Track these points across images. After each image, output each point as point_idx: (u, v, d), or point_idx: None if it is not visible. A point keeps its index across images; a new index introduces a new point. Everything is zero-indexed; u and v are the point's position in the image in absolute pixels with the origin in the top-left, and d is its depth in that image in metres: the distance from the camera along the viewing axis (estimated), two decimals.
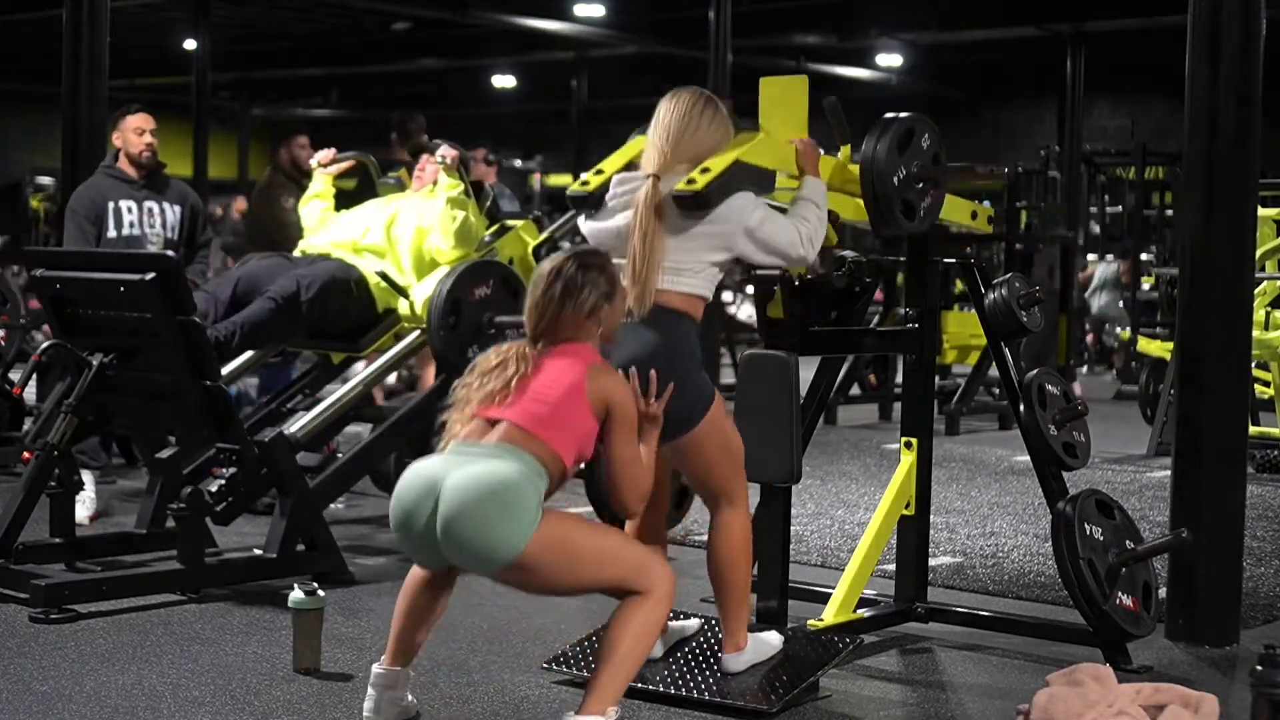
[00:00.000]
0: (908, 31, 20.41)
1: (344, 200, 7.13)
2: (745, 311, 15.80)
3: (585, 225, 4.41)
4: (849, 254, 5.06)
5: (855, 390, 12.47)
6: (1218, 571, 5.14)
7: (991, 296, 5.14)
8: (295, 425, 6.10)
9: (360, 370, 6.77)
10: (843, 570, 5.06)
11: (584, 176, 4.48)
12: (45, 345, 5.74)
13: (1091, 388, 14.96)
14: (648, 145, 4.33)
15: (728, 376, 11.52)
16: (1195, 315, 5.22)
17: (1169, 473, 5.39)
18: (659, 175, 4.21)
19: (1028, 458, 5.18)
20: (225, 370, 6.24)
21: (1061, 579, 4.86)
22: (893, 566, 5.36)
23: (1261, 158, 5.28)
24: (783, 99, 4.74)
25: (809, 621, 4.79)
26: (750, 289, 12.05)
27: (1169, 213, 16.60)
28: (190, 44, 20.07)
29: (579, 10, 19.18)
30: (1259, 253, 8.55)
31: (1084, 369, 17.05)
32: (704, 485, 4.32)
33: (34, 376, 6.93)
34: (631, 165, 4.44)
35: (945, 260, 5.35)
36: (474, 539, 3.61)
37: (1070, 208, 17.42)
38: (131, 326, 5.53)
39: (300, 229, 6.96)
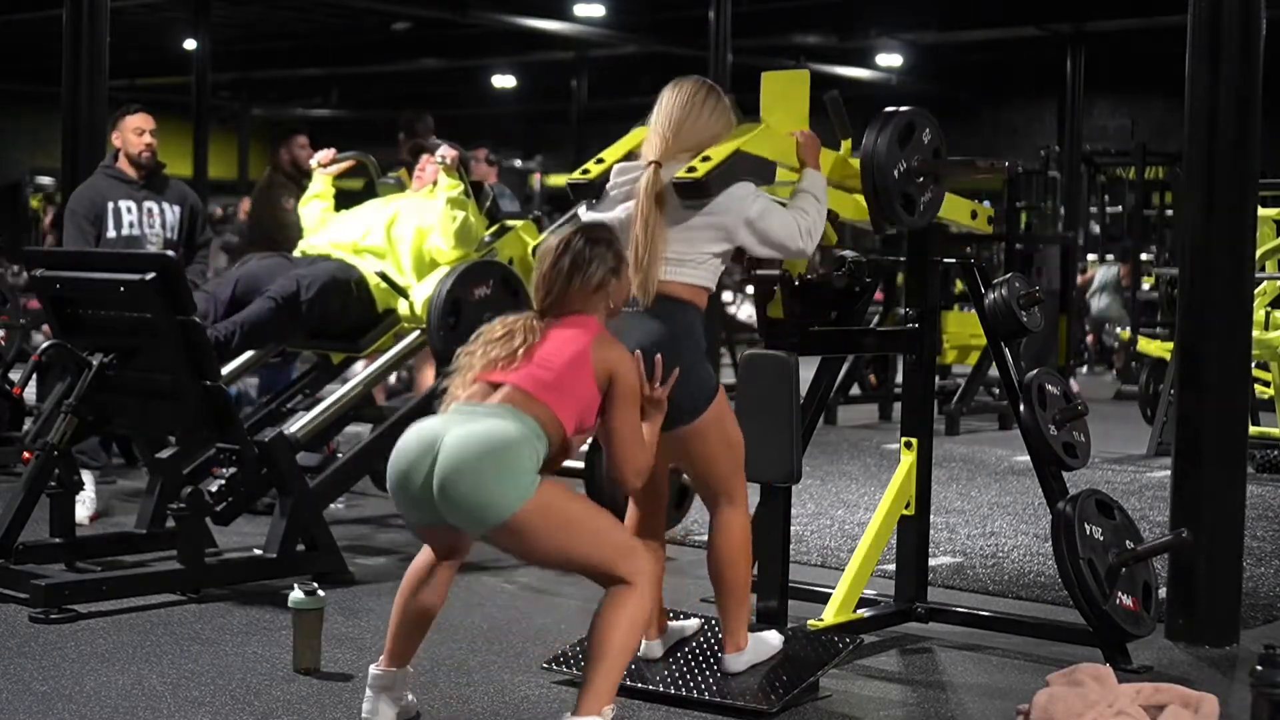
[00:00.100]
0: (908, 31, 20.40)
1: (347, 200, 7.13)
2: (745, 311, 15.81)
3: (586, 215, 4.41)
4: (849, 254, 5.06)
5: (855, 390, 12.47)
6: (1218, 571, 5.14)
7: (991, 296, 5.14)
8: (295, 425, 6.11)
9: (360, 370, 6.78)
10: (843, 570, 5.06)
11: (585, 165, 4.48)
12: (45, 345, 5.75)
13: (1091, 388, 14.97)
14: (649, 132, 4.33)
15: (728, 376, 11.51)
16: (1195, 315, 5.21)
17: (1169, 473, 5.39)
18: (660, 162, 4.21)
19: (1028, 458, 5.18)
20: (225, 370, 6.24)
21: (1061, 579, 4.86)
22: (893, 566, 5.35)
23: (1261, 158, 5.28)
24: (784, 93, 4.74)
25: (809, 621, 4.79)
26: (750, 289, 12.06)
27: (1169, 213, 16.61)
28: (190, 44, 20.07)
29: (579, 10, 19.18)
30: (1259, 253, 8.55)
31: (1084, 369, 17.05)
32: (704, 480, 4.31)
33: (34, 376, 6.93)
34: (632, 155, 4.44)
35: (945, 260, 5.35)
36: (470, 496, 3.60)
37: (1070, 208, 17.42)
38: (131, 326, 5.54)
39: (300, 229, 6.96)
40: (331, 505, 6.72)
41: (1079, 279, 16.15)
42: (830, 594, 4.96)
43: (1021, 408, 5.03)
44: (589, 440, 4.66)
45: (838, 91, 4.85)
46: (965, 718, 4.32)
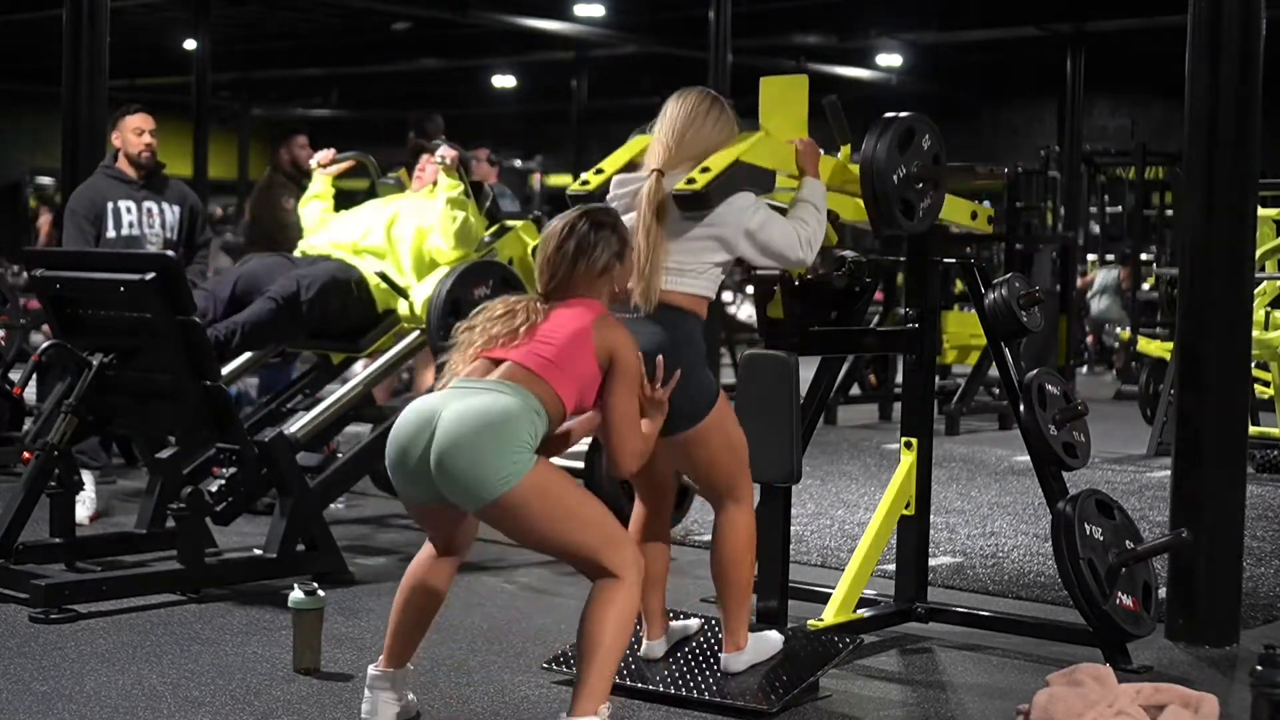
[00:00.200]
0: (908, 31, 20.40)
1: (347, 201, 7.13)
2: (745, 311, 15.80)
3: None
4: (849, 254, 5.06)
5: (855, 390, 12.47)
6: (1218, 571, 5.14)
7: (991, 296, 5.14)
8: (295, 425, 6.11)
9: (360, 370, 6.77)
10: (843, 570, 5.07)
11: (584, 176, 4.49)
12: (45, 345, 5.74)
13: (1091, 388, 14.97)
14: (653, 141, 4.35)
15: (728, 376, 11.52)
16: (1195, 315, 5.21)
17: (1169, 473, 5.39)
18: (663, 171, 4.23)
19: (1028, 458, 5.18)
20: (225, 370, 6.24)
21: (1061, 579, 4.86)
22: (893, 566, 5.35)
23: (1261, 158, 5.28)
24: (783, 99, 4.74)
25: (809, 621, 4.79)
26: (750, 289, 12.06)
27: (1169, 213, 16.60)
28: (190, 44, 20.06)
29: (579, 10, 19.17)
30: (1259, 253, 8.55)
31: (1084, 369, 17.05)
32: (708, 483, 4.32)
33: (34, 376, 6.93)
34: (632, 165, 4.46)
35: (945, 260, 5.36)
36: (467, 470, 3.60)
37: (1070, 208, 17.42)
38: (131, 326, 5.54)
39: (300, 229, 6.96)
40: (331, 505, 6.72)
41: (1079, 281, 16.15)
42: (830, 594, 4.96)
43: (1021, 408, 5.03)
44: (588, 441, 4.66)
45: (836, 97, 4.85)
46: (965, 718, 4.32)
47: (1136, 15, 18.05)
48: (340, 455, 6.65)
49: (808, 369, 4.76)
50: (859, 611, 5.00)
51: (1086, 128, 20.81)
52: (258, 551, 5.80)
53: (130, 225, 7.19)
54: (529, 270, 6.64)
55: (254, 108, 29.22)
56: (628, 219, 4.19)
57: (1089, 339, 17.86)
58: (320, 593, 4.58)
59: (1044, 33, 19.55)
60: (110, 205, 7.16)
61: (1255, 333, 8.56)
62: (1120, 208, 18.81)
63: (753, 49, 18.72)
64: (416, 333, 6.47)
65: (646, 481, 4.41)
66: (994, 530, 7.17)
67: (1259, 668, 3.80)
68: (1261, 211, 8.54)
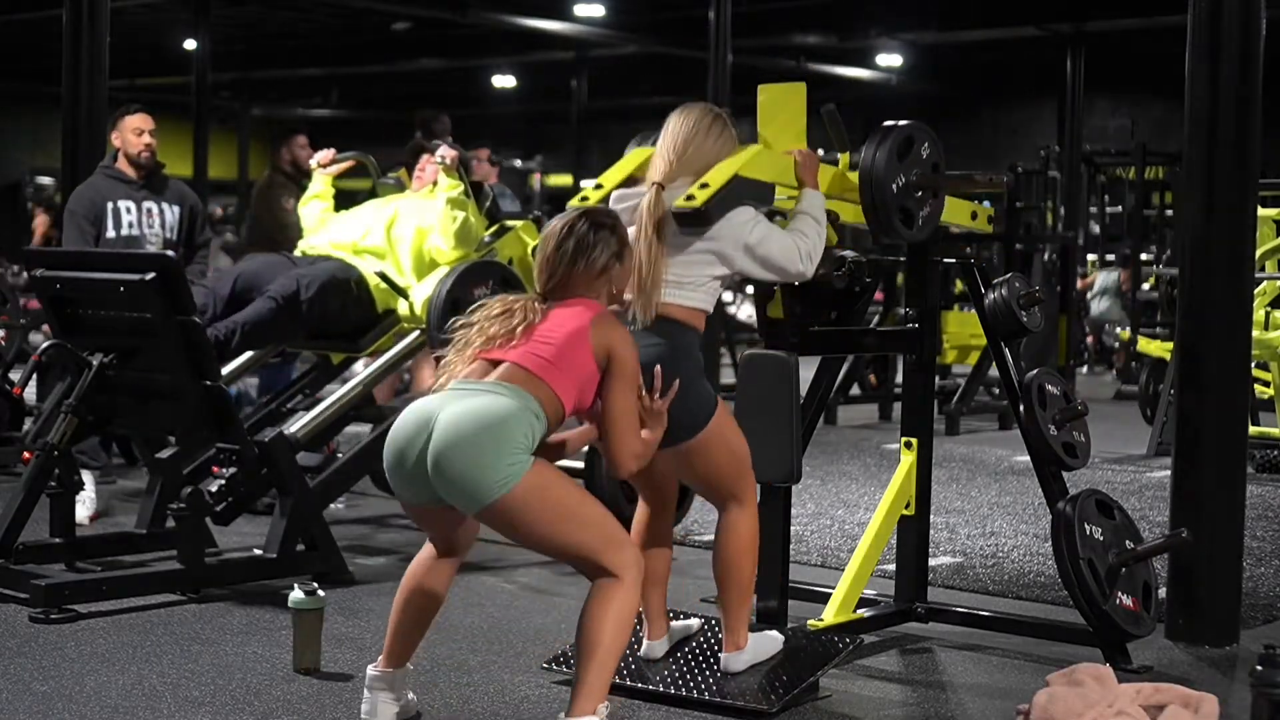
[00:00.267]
0: (908, 31, 20.39)
1: (347, 201, 7.13)
2: (745, 311, 15.81)
3: None
4: (849, 254, 5.06)
5: (855, 390, 12.47)
6: (1218, 571, 5.14)
7: (991, 296, 5.14)
8: (295, 425, 6.11)
9: (360, 370, 6.77)
10: (843, 570, 5.06)
11: (583, 192, 4.51)
12: (45, 345, 5.74)
13: (1091, 388, 14.97)
14: (655, 155, 4.37)
15: (728, 376, 11.52)
16: (1195, 315, 5.21)
17: (1169, 473, 5.39)
18: (663, 185, 4.24)
19: (1028, 458, 5.18)
20: (225, 370, 6.24)
21: (1061, 579, 4.86)
22: (893, 566, 5.35)
23: (1261, 158, 5.28)
24: (781, 106, 4.75)
25: (809, 621, 4.79)
26: (750, 289, 12.06)
27: (1169, 213, 16.60)
28: (190, 44, 20.05)
29: (579, 10, 19.17)
30: (1259, 253, 8.55)
31: (1084, 369, 17.05)
32: (710, 490, 4.33)
33: (34, 376, 6.93)
34: (631, 179, 4.47)
35: (945, 260, 5.35)
36: (465, 473, 3.59)
37: (1070, 208, 17.41)
38: (131, 326, 5.53)
39: (300, 229, 6.96)
40: (331, 505, 6.72)
41: (1079, 283, 16.14)
42: (830, 594, 4.96)
43: (1021, 408, 5.03)
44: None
45: (834, 105, 4.84)
46: (965, 718, 4.32)
47: (1136, 15, 18.05)
48: (340, 455, 6.65)
49: (808, 369, 4.77)
50: (859, 611, 5.00)
51: (1086, 128, 20.79)
52: (258, 551, 5.80)
53: (130, 225, 7.19)
54: (529, 270, 6.63)
55: (254, 108, 29.21)
56: (629, 232, 4.20)
57: (1089, 339, 17.86)
58: (320, 593, 4.58)
59: (1044, 33, 19.55)
60: (110, 205, 7.16)
61: (1255, 333, 8.56)
62: (1120, 208, 18.81)
63: (753, 49, 18.71)
64: (416, 333, 6.47)
65: (648, 483, 4.41)
66: (994, 530, 7.17)
67: (1259, 668, 3.80)
68: (1261, 211, 8.54)
